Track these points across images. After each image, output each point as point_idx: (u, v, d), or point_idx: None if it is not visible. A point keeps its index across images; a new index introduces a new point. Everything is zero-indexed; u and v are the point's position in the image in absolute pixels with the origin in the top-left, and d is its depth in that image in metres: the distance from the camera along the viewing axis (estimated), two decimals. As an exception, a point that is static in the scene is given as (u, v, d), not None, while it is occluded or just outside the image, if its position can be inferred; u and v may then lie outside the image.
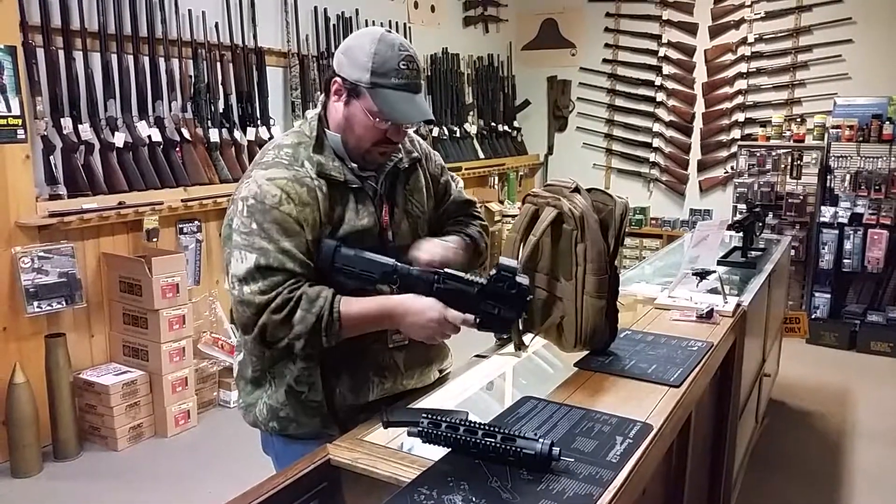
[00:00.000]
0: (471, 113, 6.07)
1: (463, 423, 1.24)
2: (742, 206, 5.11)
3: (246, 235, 1.37)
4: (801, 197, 5.11)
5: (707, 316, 2.14)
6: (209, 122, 3.88)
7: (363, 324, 1.40)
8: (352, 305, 1.37)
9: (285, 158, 1.42)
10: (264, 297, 1.34)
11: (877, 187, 4.81)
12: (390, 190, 1.53)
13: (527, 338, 1.79)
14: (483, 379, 1.77)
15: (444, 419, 1.24)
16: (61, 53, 3.26)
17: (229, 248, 1.40)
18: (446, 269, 1.40)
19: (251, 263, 1.35)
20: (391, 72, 1.38)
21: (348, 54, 1.41)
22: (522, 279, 1.37)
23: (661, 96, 6.09)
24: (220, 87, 3.96)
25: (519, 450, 1.18)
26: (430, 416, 1.25)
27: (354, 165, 1.47)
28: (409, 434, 1.28)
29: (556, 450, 1.18)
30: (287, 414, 1.48)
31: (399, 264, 1.40)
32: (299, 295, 1.34)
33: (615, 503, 1.13)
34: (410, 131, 1.63)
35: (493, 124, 6.27)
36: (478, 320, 1.37)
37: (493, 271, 1.36)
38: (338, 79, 1.42)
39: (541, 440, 1.19)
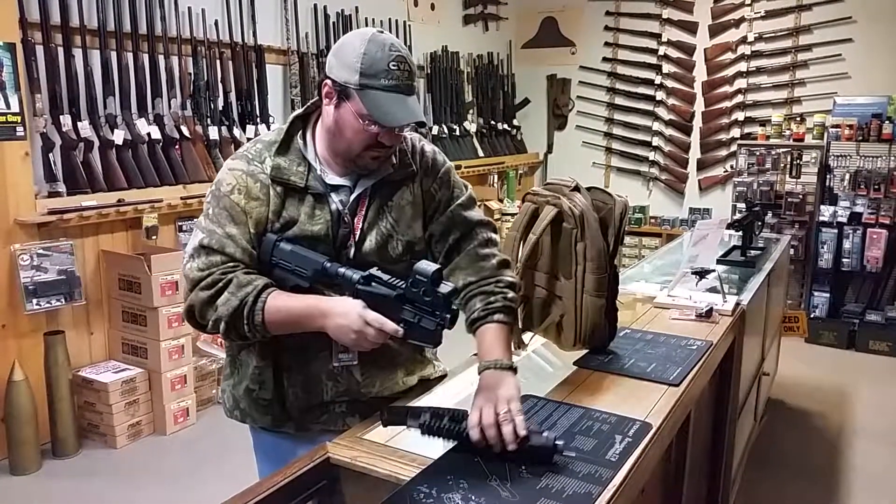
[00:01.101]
0: (470, 111, 6.07)
1: (466, 415, 1.24)
2: (741, 205, 5.11)
3: (204, 217, 1.42)
4: (801, 196, 5.11)
5: (706, 315, 2.15)
6: (209, 119, 3.88)
7: (289, 320, 1.35)
8: (280, 300, 1.34)
9: (251, 153, 1.44)
10: (199, 274, 1.35)
11: (876, 187, 4.81)
12: (369, 200, 1.46)
13: (526, 336, 1.80)
14: (482, 377, 1.76)
15: (446, 412, 1.24)
16: (60, 51, 3.25)
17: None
18: (371, 271, 1.32)
19: (197, 242, 1.38)
20: (381, 73, 1.33)
21: (338, 55, 1.37)
22: (444, 287, 1.25)
23: (660, 95, 6.08)
24: (220, 85, 3.96)
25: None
26: (430, 411, 1.26)
27: (323, 171, 1.43)
28: (409, 426, 1.28)
29: (560, 443, 1.19)
30: (244, 407, 1.51)
31: (330, 263, 1.36)
32: (230, 278, 1.34)
33: (614, 502, 1.13)
34: (425, 146, 1.56)
35: (492, 122, 6.27)
36: (402, 328, 1.28)
37: (410, 277, 1.26)
38: (328, 81, 1.38)
39: (545, 433, 1.19)
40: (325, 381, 1.46)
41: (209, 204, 1.42)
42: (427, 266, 1.26)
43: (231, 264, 1.36)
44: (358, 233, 1.44)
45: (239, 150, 1.49)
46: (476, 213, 1.56)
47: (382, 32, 1.38)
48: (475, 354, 1.82)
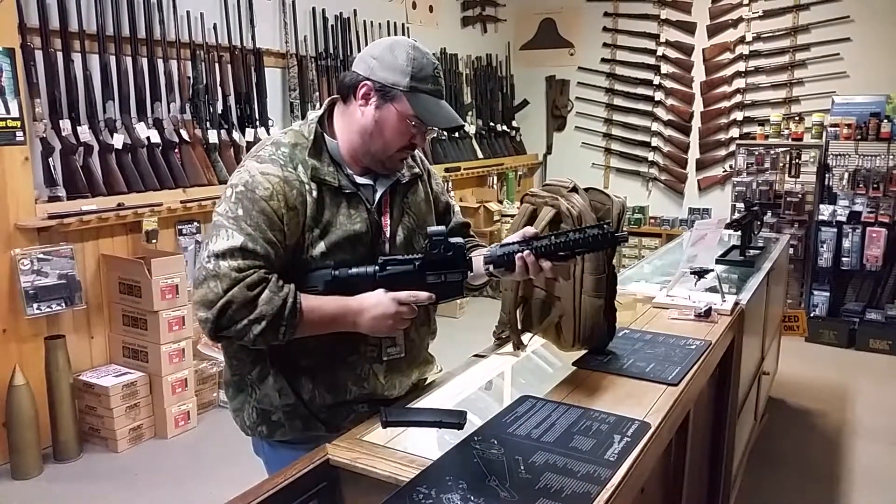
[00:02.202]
0: (469, 113, 6.08)
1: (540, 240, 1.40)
2: (741, 205, 5.11)
3: (233, 220, 1.35)
4: (800, 195, 5.12)
5: (705, 314, 2.15)
6: (208, 123, 3.88)
7: (323, 320, 1.38)
8: (312, 301, 1.37)
9: (281, 158, 1.41)
10: (241, 274, 1.32)
11: (875, 185, 4.81)
12: (391, 201, 1.53)
13: (525, 337, 1.80)
14: (482, 378, 1.77)
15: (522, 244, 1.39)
16: (60, 55, 3.26)
17: (213, 230, 1.37)
18: (382, 257, 1.41)
19: (237, 242, 1.33)
20: (428, 78, 1.41)
21: (382, 59, 1.41)
22: (455, 239, 1.40)
23: (659, 95, 6.09)
24: (219, 89, 3.96)
25: (588, 235, 1.38)
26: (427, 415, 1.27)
27: (350, 172, 1.46)
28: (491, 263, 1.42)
29: (620, 234, 1.43)
30: (279, 418, 1.48)
31: (336, 270, 1.40)
32: (270, 279, 1.34)
33: (613, 501, 1.13)
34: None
35: (491, 124, 6.28)
36: (433, 296, 1.39)
37: (426, 242, 1.40)
38: (368, 82, 1.41)
39: (604, 225, 1.40)
40: (350, 385, 1.48)
41: (237, 205, 1.36)
42: (437, 228, 1.42)
43: (268, 267, 1.35)
44: (388, 230, 1.50)
45: (259, 152, 1.43)
46: (461, 216, 1.78)
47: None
48: (475, 355, 1.84)
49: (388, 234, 1.50)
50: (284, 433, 1.49)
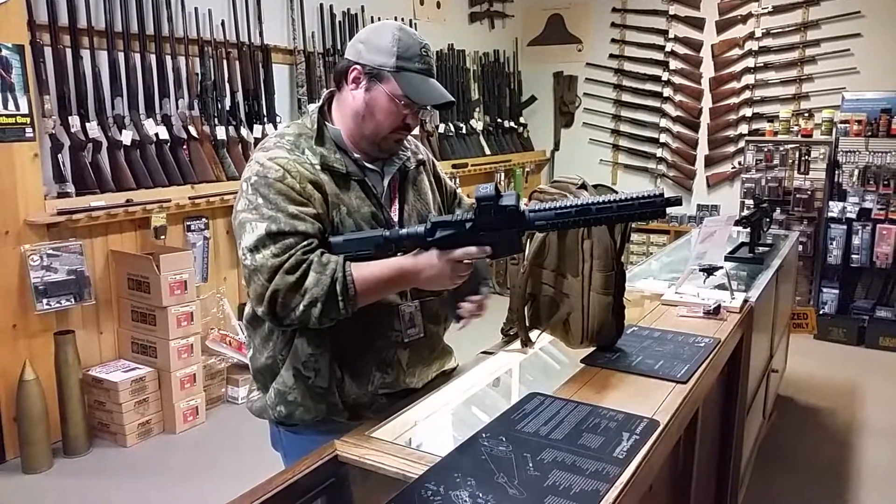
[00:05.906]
0: (477, 109, 6.07)
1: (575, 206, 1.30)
2: (749, 202, 5.09)
3: (253, 210, 1.36)
4: (809, 192, 5.09)
5: (714, 312, 2.14)
6: (216, 119, 3.89)
7: (378, 286, 1.37)
8: (363, 269, 1.36)
9: (287, 144, 1.44)
10: (277, 260, 1.32)
11: (885, 182, 4.78)
12: (400, 186, 1.55)
13: (533, 334, 1.80)
14: (490, 375, 1.77)
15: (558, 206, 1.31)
16: (69, 52, 3.27)
17: (239, 229, 1.38)
18: (431, 219, 1.39)
19: (262, 231, 1.34)
20: (414, 57, 1.42)
21: (368, 43, 1.44)
22: (507, 199, 1.33)
23: (667, 91, 6.07)
24: (227, 85, 3.97)
25: (635, 201, 1.26)
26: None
27: (358, 156, 1.48)
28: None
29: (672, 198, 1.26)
30: (295, 398, 1.47)
31: (387, 232, 1.40)
32: (311, 259, 1.33)
33: (622, 499, 1.13)
34: (411, 137, 1.64)
35: (499, 120, 6.27)
36: (488, 249, 1.35)
37: (475, 205, 1.34)
38: (357, 66, 1.43)
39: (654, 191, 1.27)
40: (374, 371, 1.49)
41: (255, 195, 1.37)
42: (485, 188, 1.34)
43: (307, 242, 1.34)
44: (396, 214, 1.51)
45: (265, 144, 1.46)
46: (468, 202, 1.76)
47: (406, 23, 1.45)
48: (483, 352, 1.84)
49: (396, 220, 1.51)
50: (303, 413, 1.48)
